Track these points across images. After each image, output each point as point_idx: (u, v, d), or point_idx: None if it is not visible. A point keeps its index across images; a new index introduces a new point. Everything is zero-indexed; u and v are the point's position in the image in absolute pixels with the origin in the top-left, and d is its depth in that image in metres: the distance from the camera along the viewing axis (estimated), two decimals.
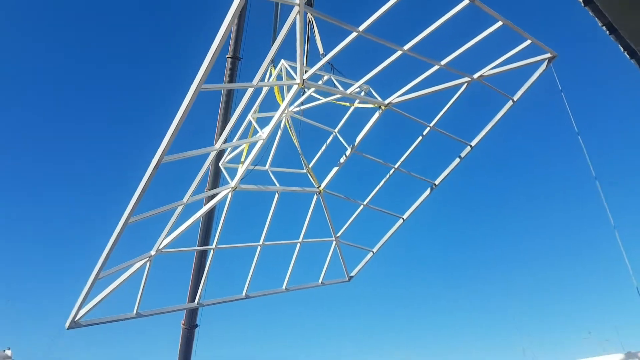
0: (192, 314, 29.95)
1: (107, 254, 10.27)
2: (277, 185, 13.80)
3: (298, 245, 15.61)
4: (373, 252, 17.74)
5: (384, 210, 16.48)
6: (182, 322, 30.11)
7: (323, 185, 15.00)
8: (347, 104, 13.55)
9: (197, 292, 23.19)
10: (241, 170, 12.49)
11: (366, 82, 12.19)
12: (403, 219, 16.64)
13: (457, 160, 15.19)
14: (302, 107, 13.05)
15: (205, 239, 17.18)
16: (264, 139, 12.02)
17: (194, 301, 17.39)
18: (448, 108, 13.25)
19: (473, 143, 14.43)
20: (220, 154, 13.13)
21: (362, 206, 15.80)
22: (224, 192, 12.83)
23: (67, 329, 11.70)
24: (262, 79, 11.19)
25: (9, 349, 19.34)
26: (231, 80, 16.45)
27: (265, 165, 13.76)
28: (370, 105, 13.11)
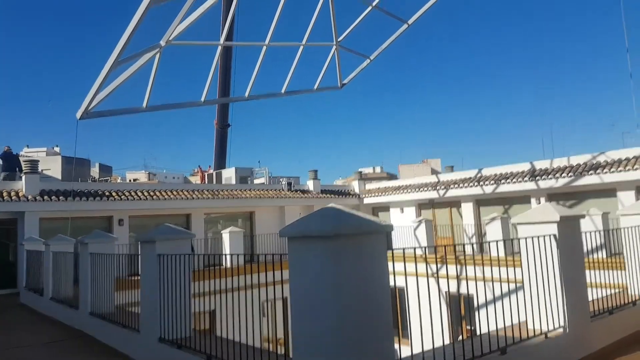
0: (223, 114, 31.99)
1: (128, 37, 9.64)
2: None
3: (301, 48, 15.76)
4: (370, 59, 17.56)
5: (390, 13, 15.98)
6: (215, 121, 32.85)
7: None
8: None
9: (225, 93, 24.21)
10: None
11: None
12: (408, 23, 16.19)
13: None
14: None
15: (229, 38, 16.96)
16: None
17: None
18: None
19: None
20: None
21: (370, 7, 15.35)
22: None
23: (79, 119, 11.42)
24: None
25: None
26: None
27: None
28: None
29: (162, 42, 11.80)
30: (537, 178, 18.92)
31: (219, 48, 14.55)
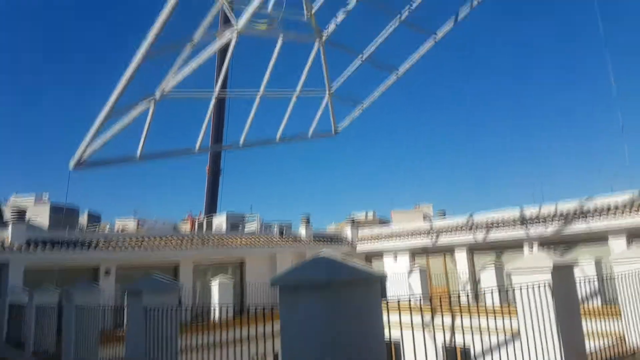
0: (215, 160, 31.37)
1: (121, 89, 9.90)
2: (280, 31, 13.65)
3: (294, 97, 15.95)
4: (363, 106, 17.75)
5: (380, 64, 16.44)
6: (207, 167, 32.19)
7: (325, 34, 14.94)
8: None
9: (217, 141, 23.72)
10: (248, 12, 12.12)
11: None
12: (397, 74, 16.56)
13: (465, 11, 14.80)
14: None
15: (223, 87, 17.16)
16: None
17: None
18: None
19: None
20: None
21: (360, 60, 15.72)
22: (229, 35, 12.51)
23: (72, 169, 11.51)
24: None
25: None
26: None
27: (267, 9, 13.26)
28: None
29: (157, 94, 11.96)
30: (528, 223, 18.95)
31: (213, 98, 14.82)
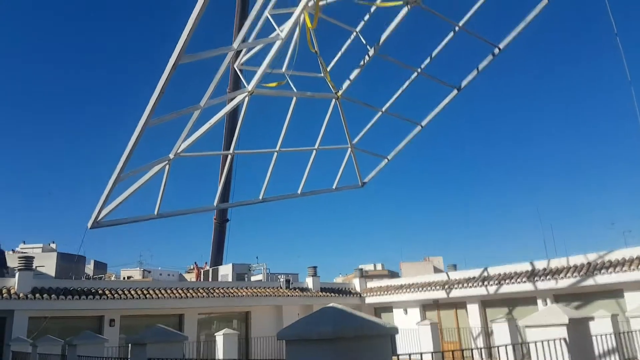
0: (222, 210, 30.38)
1: (127, 155, 10.28)
2: (295, 90, 13.24)
3: (314, 152, 15.24)
4: (388, 159, 16.98)
5: (402, 117, 15.78)
6: (214, 217, 31.42)
7: (341, 91, 14.58)
8: (370, 3, 12.75)
9: (225, 193, 23.09)
10: (258, 73, 12.00)
11: None
12: (421, 125, 15.92)
13: (487, 60, 14.06)
14: (322, 2, 11.82)
15: (231, 144, 16.68)
16: (282, 39, 11.39)
17: (222, 202, 17.35)
18: (480, 5, 12.82)
19: (502, 45, 13.74)
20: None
21: (380, 113, 15.14)
22: (240, 97, 12.33)
23: (90, 228, 11.77)
24: None
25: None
26: None
27: (281, 69, 13.04)
28: (398, 2, 12.08)
29: (171, 155, 12.14)
30: (542, 278, 18.51)
31: (229, 157, 14.85)
